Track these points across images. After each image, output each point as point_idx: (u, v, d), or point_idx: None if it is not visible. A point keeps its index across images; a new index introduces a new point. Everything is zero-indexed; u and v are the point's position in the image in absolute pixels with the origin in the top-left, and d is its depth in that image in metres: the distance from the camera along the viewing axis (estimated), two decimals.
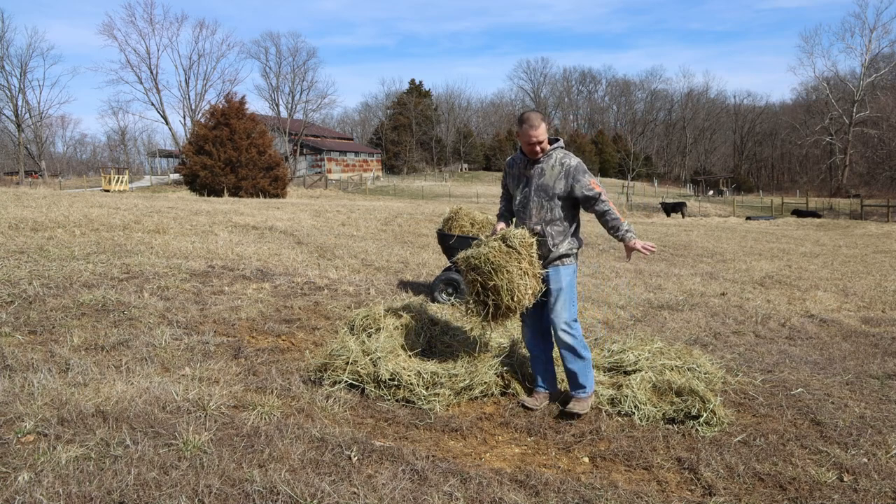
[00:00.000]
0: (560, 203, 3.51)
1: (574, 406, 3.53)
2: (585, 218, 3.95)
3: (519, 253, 3.39)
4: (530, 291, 3.41)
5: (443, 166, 79.14)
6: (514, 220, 3.66)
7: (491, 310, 3.46)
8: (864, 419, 3.58)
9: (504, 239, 3.44)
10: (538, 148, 3.48)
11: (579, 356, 3.55)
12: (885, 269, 10.89)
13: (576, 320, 3.60)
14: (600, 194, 3.49)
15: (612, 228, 3.50)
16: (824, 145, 67.93)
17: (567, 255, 3.55)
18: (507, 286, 3.34)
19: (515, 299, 3.37)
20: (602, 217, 3.50)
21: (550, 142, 3.55)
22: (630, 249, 3.47)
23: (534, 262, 3.44)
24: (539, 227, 3.53)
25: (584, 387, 3.59)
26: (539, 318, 3.68)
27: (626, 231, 3.45)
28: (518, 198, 3.63)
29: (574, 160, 3.52)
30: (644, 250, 3.41)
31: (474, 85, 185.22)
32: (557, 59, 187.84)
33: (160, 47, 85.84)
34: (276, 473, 2.58)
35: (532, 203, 3.54)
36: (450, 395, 3.63)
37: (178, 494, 2.38)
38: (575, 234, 3.63)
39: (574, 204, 3.56)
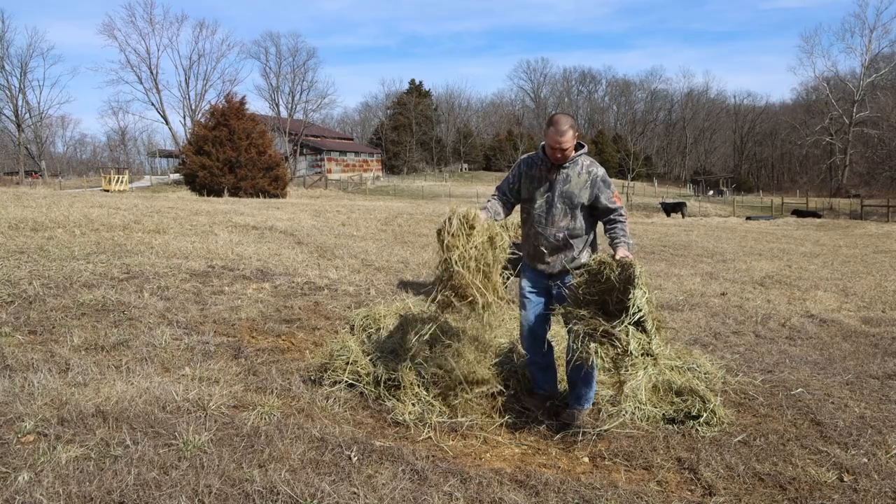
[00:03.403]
0: (583, 212, 3.48)
1: (568, 416, 3.51)
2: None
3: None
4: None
5: (443, 166, 79.12)
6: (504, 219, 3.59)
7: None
8: (864, 419, 3.58)
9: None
10: (561, 154, 3.40)
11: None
12: (885, 269, 10.88)
13: None
14: (620, 208, 3.47)
15: (617, 233, 3.44)
16: (824, 145, 67.89)
17: (587, 265, 3.46)
18: None
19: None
20: (612, 228, 3.46)
21: (575, 147, 3.47)
22: (615, 253, 3.35)
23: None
24: (562, 235, 3.49)
25: (582, 400, 3.56)
26: (542, 323, 3.63)
27: (627, 240, 3.39)
28: (538, 202, 3.53)
29: (600, 170, 3.47)
30: (624, 257, 3.26)
31: (474, 85, 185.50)
32: (558, 60, 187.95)
33: (160, 47, 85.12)
34: (276, 473, 2.58)
35: (555, 210, 3.48)
36: (450, 395, 3.63)
37: (178, 494, 2.38)
38: (593, 243, 3.61)
39: (592, 213, 3.53)
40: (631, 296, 3.05)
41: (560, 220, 3.49)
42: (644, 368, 3.01)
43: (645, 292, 3.05)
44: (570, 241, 3.49)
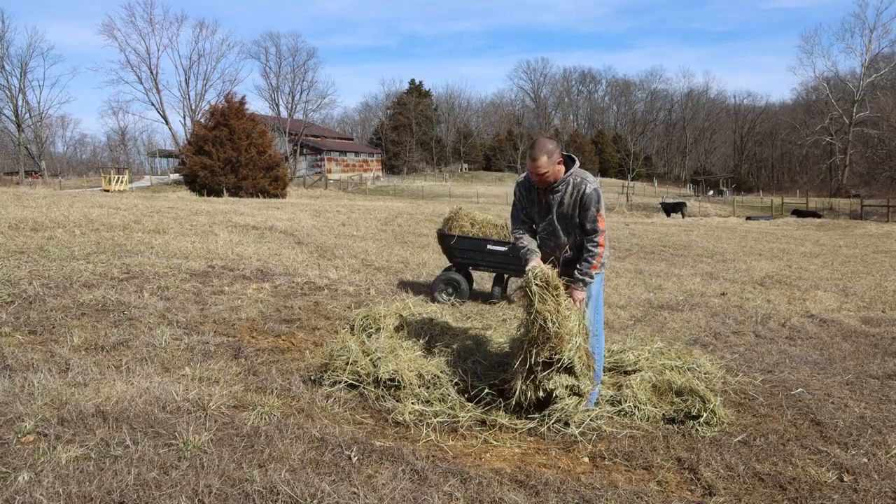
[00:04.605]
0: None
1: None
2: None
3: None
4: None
5: (443, 166, 79.10)
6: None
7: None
8: (864, 419, 3.58)
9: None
10: (540, 179, 3.38)
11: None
12: (885, 269, 10.89)
13: (601, 331, 3.63)
14: (596, 234, 3.42)
15: (580, 267, 3.44)
16: (824, 145, 67.84)
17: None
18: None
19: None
20: (585, 251, 3.45)
21: (566, 162, 3.44)
22: (570, 291, 3.42)
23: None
24: (571, 253, 3.53)
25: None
26: None
27: (584, 278, 3.43)
28: (542, 224, 3.56)
29: (590, 187, 3.37)
30: (577, 303, 3.42)
31: (474, 85, 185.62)
32: (558, 60, 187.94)
33: (160, 47, 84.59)
34: (276, 473, 2.58)
35: (559, 231, 3.50)
36: (450, 394, 3.63)
37: (178, 494, 2.38)
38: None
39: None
40: (558, 351, 3.30)
41: (565, 241, 3.52)
42: (574, 407, 3.33)
43: (575, 342, 3.29)
44: (580, 254, 3.51)
